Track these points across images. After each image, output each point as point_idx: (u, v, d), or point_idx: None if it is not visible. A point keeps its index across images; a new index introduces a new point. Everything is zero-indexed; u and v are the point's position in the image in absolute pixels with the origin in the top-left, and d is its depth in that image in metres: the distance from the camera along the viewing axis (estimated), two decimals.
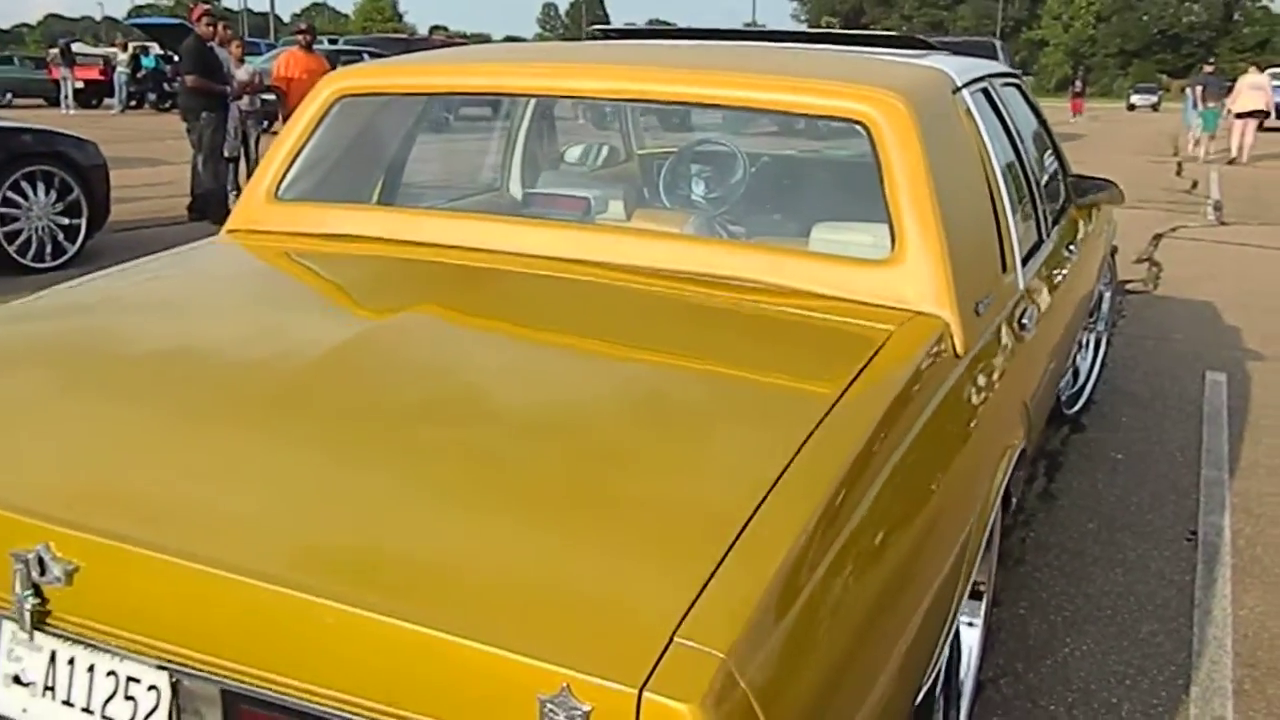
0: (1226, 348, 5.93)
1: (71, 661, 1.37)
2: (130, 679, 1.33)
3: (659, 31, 3.26)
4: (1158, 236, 9.54)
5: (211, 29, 9.27)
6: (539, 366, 1.74)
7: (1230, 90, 18.87)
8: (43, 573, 1.30)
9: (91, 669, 1.36)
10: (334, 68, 11.03)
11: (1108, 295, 4.80)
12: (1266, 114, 18.58)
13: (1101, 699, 2.59)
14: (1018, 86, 3.24)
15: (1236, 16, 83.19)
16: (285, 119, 9.75)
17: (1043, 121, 3.51)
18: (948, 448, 1.74)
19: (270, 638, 1.20)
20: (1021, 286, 2.38)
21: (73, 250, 6.94)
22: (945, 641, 1.61)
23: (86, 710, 1.36)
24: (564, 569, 1.21)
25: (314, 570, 1.21)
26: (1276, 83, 20.15)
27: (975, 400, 1.91)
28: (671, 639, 1.09)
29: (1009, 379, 2.15)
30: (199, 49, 8.93)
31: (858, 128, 2.07)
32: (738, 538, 1.24)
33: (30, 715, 1.40)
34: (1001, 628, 2.84)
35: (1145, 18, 79.94)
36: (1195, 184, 14.38)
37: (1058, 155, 3.60)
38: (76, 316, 2.04)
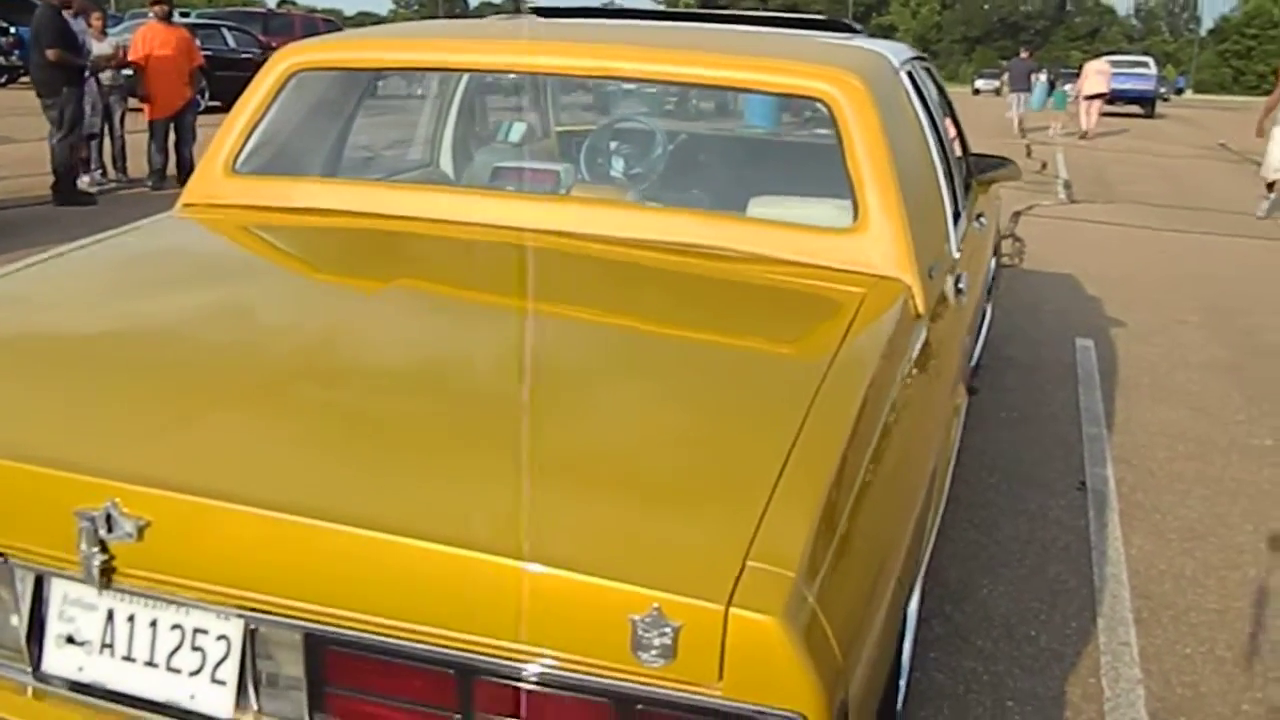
0: (1091, 316, 6.38)
1: (131, 618, 1.40)
2: (197, 630, 1.38)
3: (589, 10, 3.34)
4: (1017, 214, 10.07)
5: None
6: (544, 334, 1.82)
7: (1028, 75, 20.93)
8: (110, 530, 1.33)
9: (154, 624, 1.40)
10: (194, 41, 10.65)
11: (993, 266, 5.12)
12: (1107, 96, 20.40)
13: (1022, 633, 2.83)
14: (928, 68, 3.45)
15: (1069, 6, 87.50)
16: (144, 97, 9.40)
17: (947, 100, 3.74)
18: (921, 398, 1.91)
19: (358, 578, 1.27)
20: (955, 254, 2.58)
21: None
22: (924, 561, 1.78)
23: (150, 664, 1.40)
24: (634, 510, 1.31)
25: (399, 512, 1.29)
26: (1115, 70, 22.12)
27: (935, 358, 2.09)
28: (744, 562, 1.21)
29: (953, 340, 2.34)
30: (57, 20, 8.48)
31: (819, 105, 2.22)
32: (781, 473, 1.37)
33: (87, 674, 1.43)
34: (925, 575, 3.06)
35: (987, 6, 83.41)
36: (1045, 165, 15.18)
37: (959, 132, 3.84)
38: (64, 293, 2.02)
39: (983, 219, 3.44)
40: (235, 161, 2.50)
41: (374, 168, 3.15)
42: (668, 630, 1.17)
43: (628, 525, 1.28)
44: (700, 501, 1.34)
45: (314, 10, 26.82)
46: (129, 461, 1.38)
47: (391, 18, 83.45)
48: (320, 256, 2.29)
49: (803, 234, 2.16)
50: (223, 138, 2.52)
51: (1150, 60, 30.26)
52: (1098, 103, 20.58)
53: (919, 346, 1.98)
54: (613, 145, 3.65)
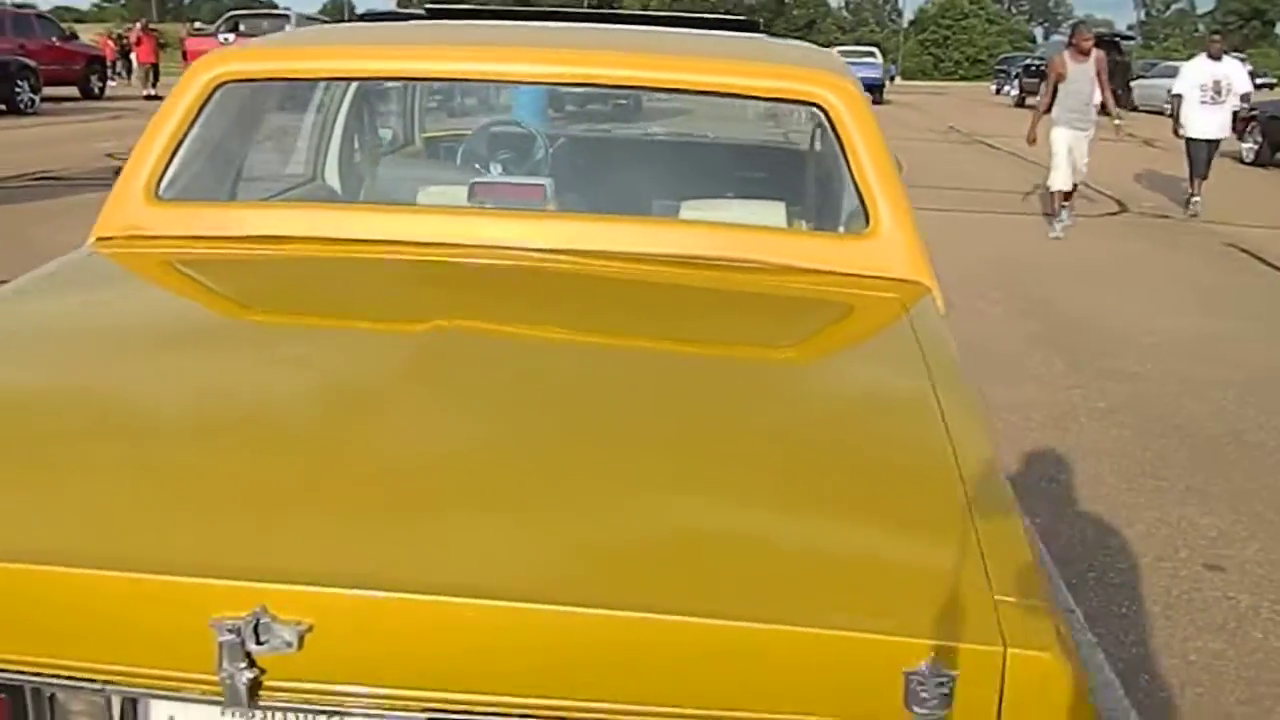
0: None
1: None
2: None
3: (494, 11, 3.15)
4: None
5: None
6: (632, 366, 1.70)
7: None
8: (259, 640, 1.13)
9: None
10: None
11: None
12: None
13: None
14: None
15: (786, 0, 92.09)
16: None
17: None
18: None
19: (587, 664, 1.13)
20: None
21: None
22: None
23: None
24: (862, 557, 1.24)
25: (617, 585, 1.15)
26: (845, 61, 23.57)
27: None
28: (994, 599, 1.16)
29: None
30: None
31: (815, 109, 2.18)
32: (968, 494, 1.33)
33: None
34: None
35: None
36: None
37: None
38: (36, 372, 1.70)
39: None
40: (158, 186, 2.19)
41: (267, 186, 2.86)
42: (945, 680, 1.10)
43: (865, 574, 1.21)
44: (917, 540, 1.28)
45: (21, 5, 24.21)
46: (271, 556, 1.17)
47: (96, 11, 77.44)
48: (325, 295, 1.99)
49: (815, 241, 2.13)
50: (139, 160, 2.20)
51: (876, 50, 32.32)
52: None
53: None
54: (489, 149, 3.51)
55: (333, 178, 3.29)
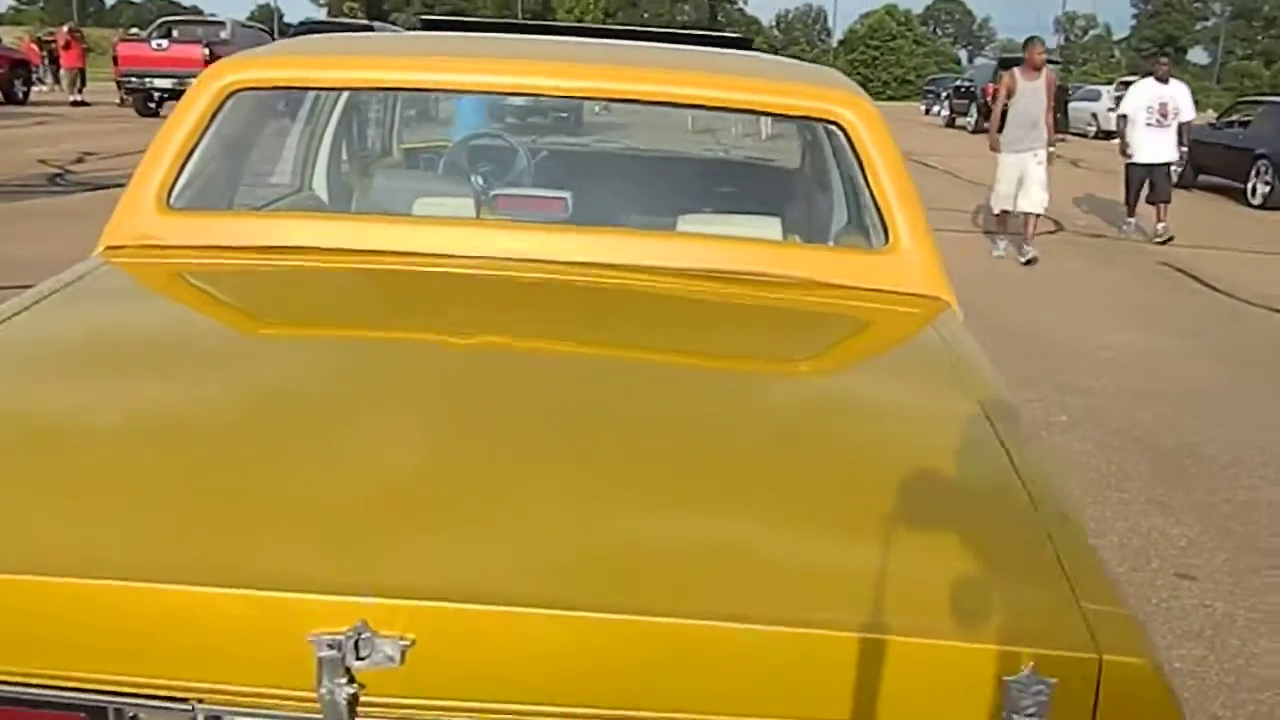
0: None
1: None
2: None
3: (488, 24, 3.15)
4: None
5: None
6: (680, 381, 1.71)
7: None
8: (359, 655, 1.12)
9: None
10: None
11: None
12: None
13: None
14: None
15: (720, 17, 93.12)
16: None
17: None
18: None
19: (692, 676, 1.13)
20: None
21: None
22: None
23: None
24: (948, 566, 1.25)
25: (718, 596, 1.16)
26: None
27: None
28: (1081, 607, 1.19)
29: None
30: None
31: (833, 128, 2.21)
32: (1033, 502, 1.36)
33: None
34: None
35: (646, 15, 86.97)
36: None
37: None
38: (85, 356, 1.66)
39: None
40: (169, 195, 2.15)
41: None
42: (1043, 688, 1.13)
43: (956, 585, 1.22)
44: (997, 550, 1.30)
45: None
46: (366, 574, 1.16)
47: (12, 13, 75.72)
48: (358, 306, 1.98)
49: (836, 256, 2.16)
50: (150, 168, 2.16)
51: None
52: None
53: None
54: (470, 161, 3.51)
55: (321, 188, 3.26)
